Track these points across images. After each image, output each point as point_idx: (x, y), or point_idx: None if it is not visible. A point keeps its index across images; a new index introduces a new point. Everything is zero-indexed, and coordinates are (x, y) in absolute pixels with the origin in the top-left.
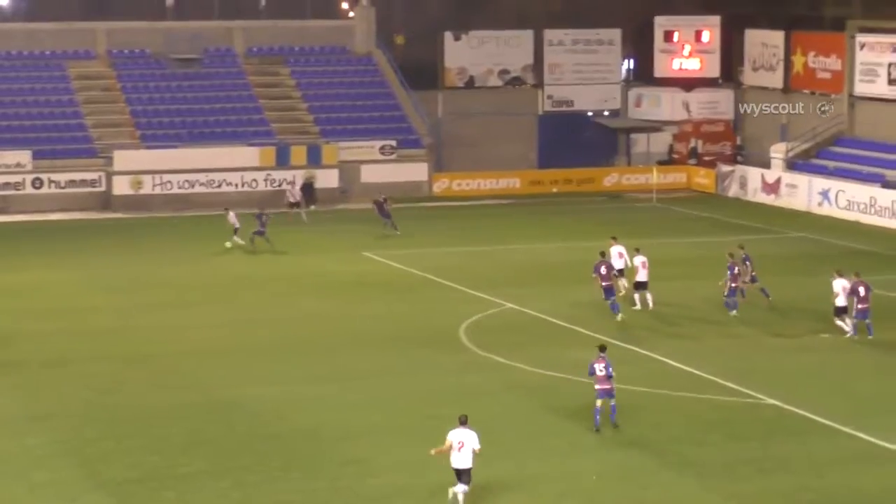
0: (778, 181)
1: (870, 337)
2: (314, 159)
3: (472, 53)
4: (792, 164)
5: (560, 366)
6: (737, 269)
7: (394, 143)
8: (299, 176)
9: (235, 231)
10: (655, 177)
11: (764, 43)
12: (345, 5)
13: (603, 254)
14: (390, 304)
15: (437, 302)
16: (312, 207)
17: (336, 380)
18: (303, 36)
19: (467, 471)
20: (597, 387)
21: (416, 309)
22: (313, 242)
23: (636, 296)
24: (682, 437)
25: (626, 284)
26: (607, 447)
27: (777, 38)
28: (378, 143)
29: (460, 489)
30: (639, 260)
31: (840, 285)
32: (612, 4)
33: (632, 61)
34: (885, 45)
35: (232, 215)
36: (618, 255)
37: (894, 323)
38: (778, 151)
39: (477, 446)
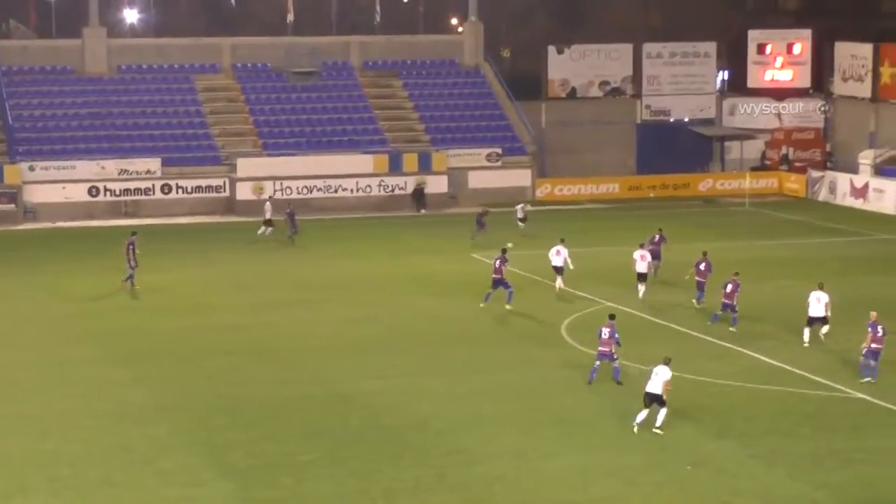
0: (866, 186)
1: (731, 329)
2: (425, 166)
3: (575, 66)
4: (879, 170)
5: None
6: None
7: (499, 150)
8: (411, 182)
9: (267, 223)
10: (748, 182)
11: (853, 55)
12: (454, 21)
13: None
14: (496, 302)
15: (540, 300)
16: (423, 211)
17: (444, 374)
18: (415, 50)
19: (657, 395)
20: (599, 349)
21: (520, 307)
22: (424, 244)
23: (640, 286)
24: (773, 429)
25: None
26: (700, 439)
27: (866, 49)
28: (485, 151)
29: (644, 413)
30: (638, 254)
31: (639, 255)
32: (708, 19)
33: (726, 73)
34: None
35: (268, 206)
36: (640, 258)
37: None
38: (866, 158)
39: (667, 379)
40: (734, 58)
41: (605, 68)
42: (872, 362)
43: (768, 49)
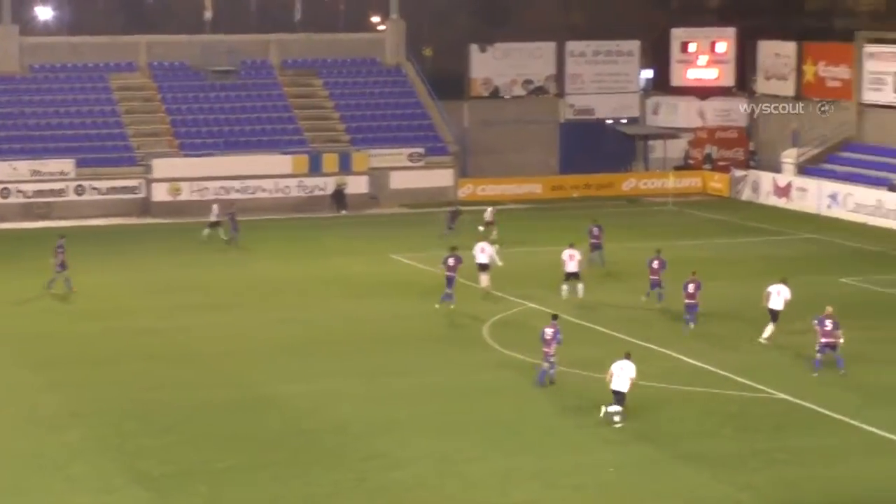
0: (789, 185)
1: (692, 326)
2: (345, 166)
3: (497, 64)
4: (802, 169)
5: (578, 363)
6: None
7: (421, 150)
8: (331, 182)
9: (213, 225)
10: (672, 181)
11: (777, 53)
12: (375, 19)
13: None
14: (416, 304)
15: (461, 302)
16: (343, 212)
17: (364, 376)
18: (335, 48)
19: (622, 393)
20: (543, 349)
21: (441, 308)
22: (344, 246)
23: (566, 286)
24: (696, 430)
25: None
26: (624, 441)
27: (789, 48)
28: (406, 151)
29: (613, 408)
30: (567, 253)
31: (567, 254)
32: (632, 17)
33: (650, 71)
34: (892, 56)
35: (215, 208)
36: (569, 258)
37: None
38: (789, 157)
39: (633, 375)
40: (658, 56)
41: (527, 67)
42: (820, 355)
43: (692, 47)
